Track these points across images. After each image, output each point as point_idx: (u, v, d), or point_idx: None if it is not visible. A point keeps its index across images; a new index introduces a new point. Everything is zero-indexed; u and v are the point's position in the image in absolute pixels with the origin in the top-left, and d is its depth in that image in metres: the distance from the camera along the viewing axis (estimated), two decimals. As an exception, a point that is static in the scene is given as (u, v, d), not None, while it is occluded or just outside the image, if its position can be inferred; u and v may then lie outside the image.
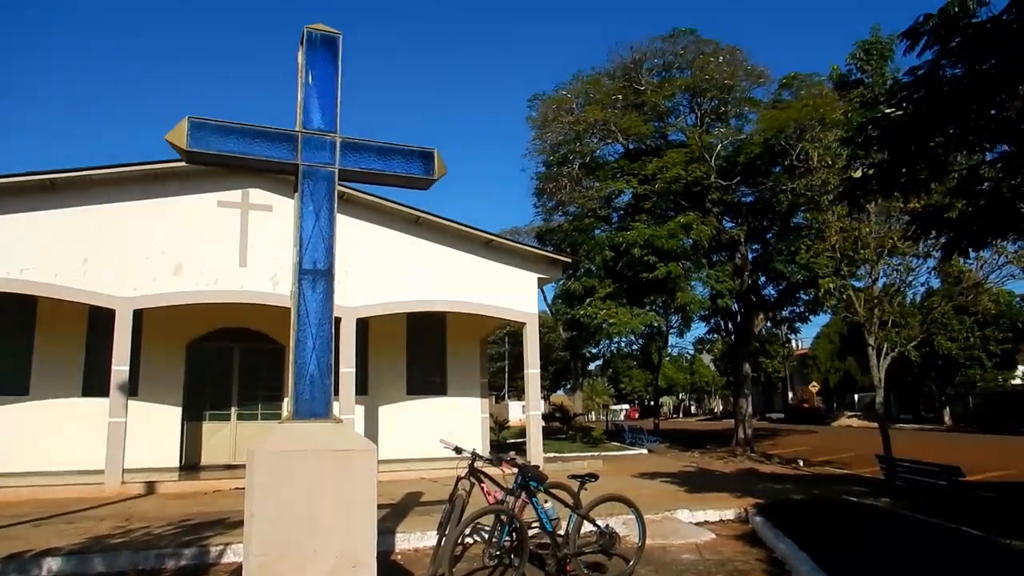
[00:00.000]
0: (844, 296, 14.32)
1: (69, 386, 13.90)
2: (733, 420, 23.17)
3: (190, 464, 14.48)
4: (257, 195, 13.34)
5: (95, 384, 13.33)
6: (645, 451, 20.95)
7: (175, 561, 6.47)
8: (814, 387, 48.87)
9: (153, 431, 13.95)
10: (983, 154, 7.17)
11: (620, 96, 20.97)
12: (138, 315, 12.75)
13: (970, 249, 7.47)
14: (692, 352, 58.12)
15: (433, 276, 14.56)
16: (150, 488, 11.60)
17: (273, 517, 3.99)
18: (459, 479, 6.39)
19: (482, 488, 6.33)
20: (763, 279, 22.56)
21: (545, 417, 29.17)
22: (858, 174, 7.13)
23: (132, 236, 12.49)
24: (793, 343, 55.91)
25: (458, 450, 6.50)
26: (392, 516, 8.63)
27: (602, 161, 22.29)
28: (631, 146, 22.01)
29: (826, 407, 50.85)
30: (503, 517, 5.56)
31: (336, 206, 4.77)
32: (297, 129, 4.77)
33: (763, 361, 54.93)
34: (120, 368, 11.90)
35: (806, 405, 51.05)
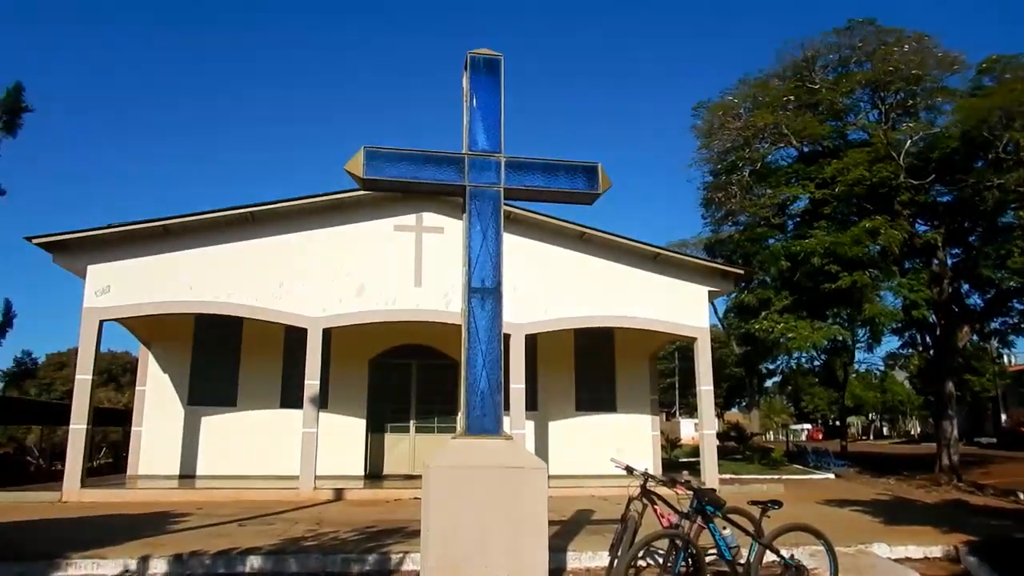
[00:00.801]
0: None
1: (269, 398, 15.37)
2: (934, 444, 20.75)
3: (373, 473, 15.42)
4: (430, 218, 14.00)
5: (291, 397, 14.61)
6: (831, 475, 19.36)
7: (359, 566, 6.86)
8: (1036, 408, 42.67)
9: (341, 441, 15.03)
10: None
11: (792, 97, 19.65)
12: (327, 333, 13.83)
13: None
14: (883, 368, 53.05)
15: (600, 292, 14.49)
16: (338, 494, 12.46)
17: (446, 531, 4.08)
18: (631, 500, 6.21)
19: (655, 510, 6.10)
20: (966, 287, 20.07)
21: (720, 436, 27.93)
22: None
23: (320, 261, 13.60)
24: (1006, 358, 49.33)
25: (630, 470, 6.33)
26: (563, 533, 8.58)
27: (774, 166, 20.99)
28: (806, 148, 20.57)
29: (1053, 432, 44.17)
30: (678, 542, 5.32)
31: (502, 225, 4.85)
32: (463, 152, 4.93)
33: (969, 379, 48.93)
34: (312, 383, 12.95)
35: (1024, 429, 44.64)
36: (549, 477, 15.53)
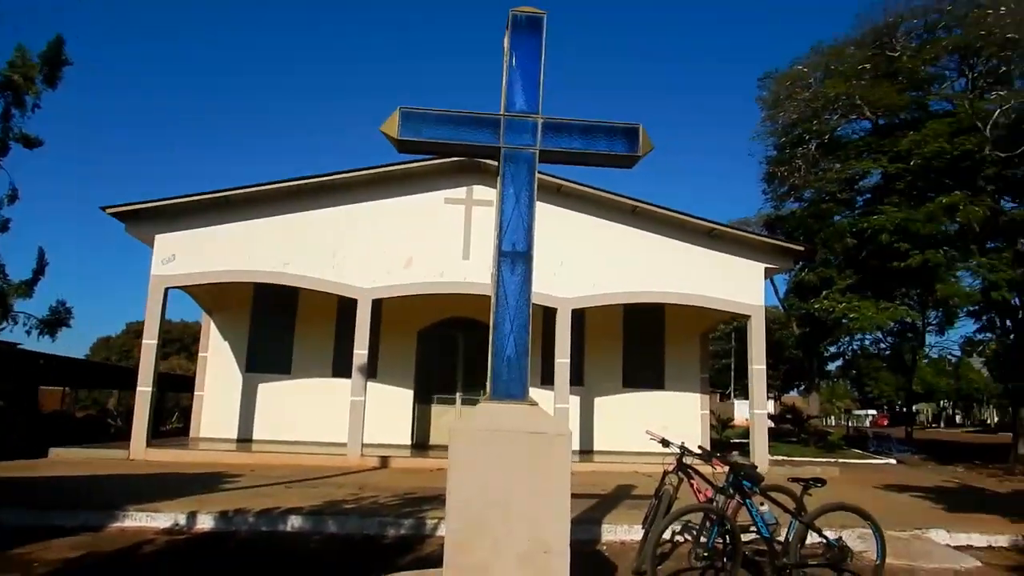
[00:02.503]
0: None
1: (322, 367, 15.70)
2: (1011, 434, 19.70)
3: (420, 443, 15.63)
4: (480, 191, 13.94)
5: (342, 366, 14.85)
6: (893, 461, 18.62)
7: (395, 530, 6.93)
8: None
9: (389, 411, 15.27)
10: None
11: (868, 65, 18.65)
12: (377, 304, 14.00)
13: None
14: (958, 354, 50.70)
15: (650, 267, 14.20)
16: (384, 462, 12.67)
17: (468, 494, 4.03)
18: (666, 473, 6.06)
19: (691, 484, 5.94)
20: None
21: (775, 418, 27.26)
22: None
23: (370, 232, 13.73)
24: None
25: (665, 443, 6.17)
26: (601, 506, 8.50)
27: (844, 140, 20.08)
28: (880, 121, 19.56)
29: None
30: (713, 516, 5.15)
31: (536, 189, 4.70)
32: (501, 113, 4.78)
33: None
34: (360, 352, 13.14)
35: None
36: (594, 452, 15.51)
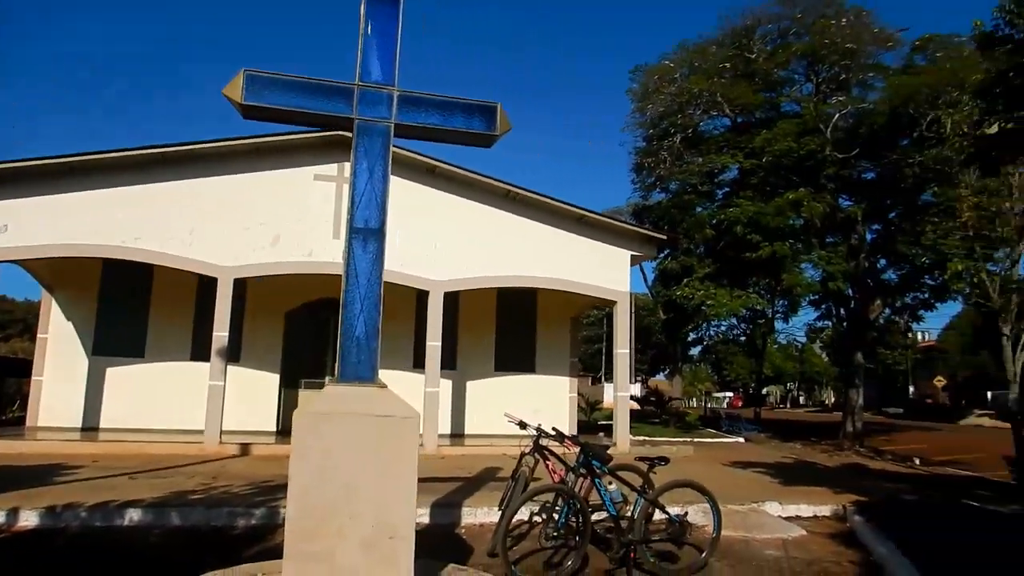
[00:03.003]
0: (975, 280, 12.85)
1: (180, 350, 14.76)
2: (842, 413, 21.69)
3: (285, 429, 15.03)
4: (347, 168, 13.48)
5: (202, 350, 14.00)
6: (742, 439, 20.00)
7: (246, 520, 6.61)
8: (940, 381, 45.18)
9: (253, 396, 14.59)
10: None
11: (728, 65, 19.77)
12: (240, 284, 13.29)
13: None
14: (803, 340, 55.26)
15: (523, 252, 14.34)
16: (244, 449, 12.10)
17: (311, 479, 3.87)
18: (523, 455, 6.15)
19: (547, 465, 6.05)
20: (883, 262, 20.83)
21: (640, 401, 28.52)
22: (994, 130, 6.16)
23: (234, 208, 12.98)
24: (918, 334, 52.06)
25: (522, 425, 6.25)
26: (464, 490, 8.52)
27: (706, 135, 21.20)
28: (739, 119, 20.79)
29: (953, 404, 47.04)
30: (563, 496, 5.26)
31: (390, 163, 4.57)
32: (355, 82, 4.59)
33: (881, 352, 51.45)
34: (220, 334, 12.44)
35: (930, 401, 47.48)
36: (465, 436, 15.54)
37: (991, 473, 13.02)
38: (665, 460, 5.89)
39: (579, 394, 22.02)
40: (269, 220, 13.05)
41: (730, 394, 71.99)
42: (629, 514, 5.53)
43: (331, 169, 13.48)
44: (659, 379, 56.36)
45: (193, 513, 6.65)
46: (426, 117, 4.65)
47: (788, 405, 77.86)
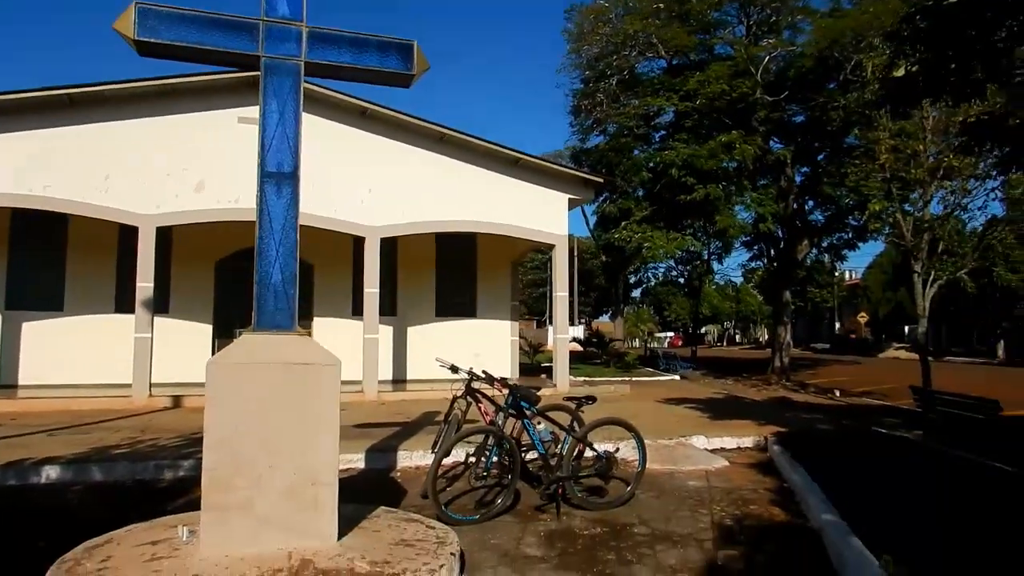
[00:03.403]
0: (891, 220, 13.39)
1: (102, 302, 14.20)
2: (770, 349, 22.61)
3: (220, 380, 14.77)
4: (277, 110, 12.95)
5: (127, 301, 13.52)
6: (677, 377, 20.68)
7: (173, 472, 6.51)
8: (863, 318, 47.45)
9: (184, 347, 14.19)
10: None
11: (662, 6, 19.62)
12: (166, 233, 12.80)
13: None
14: (739, 280, 56.94)
15: (460, 196, 14.20)
16: (176, 402, 11.85)
17: (227, 431, 3.82)
18: (455, 398, 6.20)
19: (479, 408, 6.13)
20: (811, 204, 21.47)
21: (583, 343, 29.06)
22: (901, 73, 6.30)
23: (153, 153, 12.39)
24: (845, 273, 54.29)
25: (454, 369, 6.29)
26: (402, 434, 8.57)
27: (642, 77, 21.13)
28: (674, 61, 20.77)
29: (874, 339, 49.58)
30: (492, 437, 5.34)
31: (301, 103, 4.41)
32: (260, 17, 4.36)
33: (810, 291, 53.54)
34: (144, 285, 12.02)
35: (853, 336, 49.88)
36: (407, 381, 15.51)
37: (902, 402, 13.86)
38: (592, 399, 6.03)
39: (521, 337, 22.30)
40: (191, 165, 12.51)
41: (671, 334, 73.93)
42: (558, 452, 5.66)
43: (256, 111, 12.88)
44: (604, 320, 57.41)
45: (116, 468, 6.49)
46: (338, 55, 4.48)
47: (725, 343, 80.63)
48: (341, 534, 4.08)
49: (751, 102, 18.14)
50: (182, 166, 12.46)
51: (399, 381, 15.39)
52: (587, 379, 18.02)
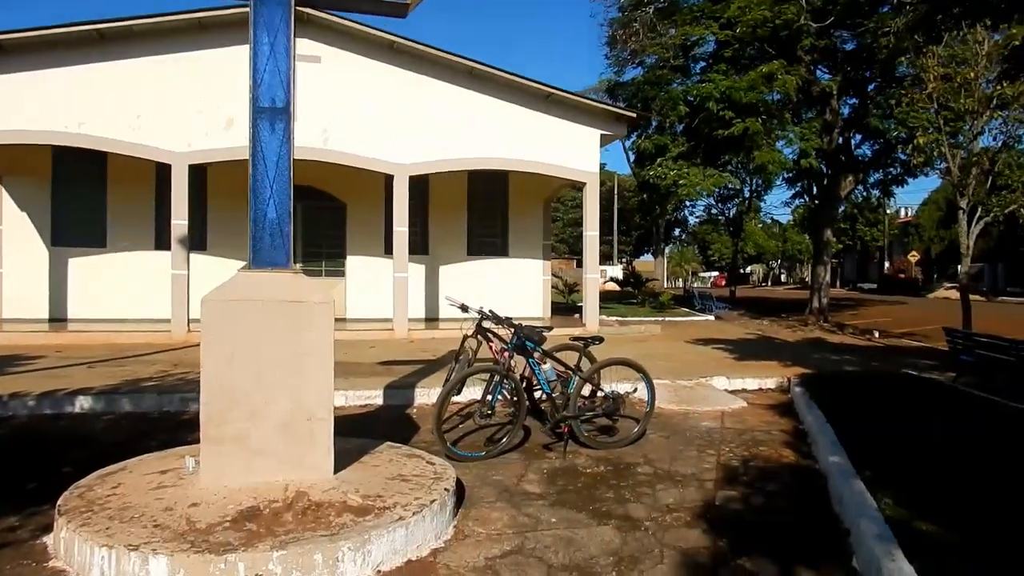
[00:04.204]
0: (937, 154, 12.69)
1: (143, 239, 14.56)
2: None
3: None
4: (305, 45, 12.76)
5: (166, 238, 13.85)
6: (711, 318, 20.43)
7: (197, 404, 6.72)
8: (913, 256, 45.83)
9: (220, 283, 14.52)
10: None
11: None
12: (201, 170, 12.94)
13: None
14: (787, 218, 55.40)
15: (490, 133, 13.98)
16: (212, 336, 12.18)
17: (221, 367, 3.90)
18: (466, 337, 6.21)
19: (491, 347, 6.13)
20: (858, 138, 20.47)
21: (620, 283, 28.85)
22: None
23: (184, 90, 12.44)
24: (894, 209, 52.33)
25: (464, 308, 6.28)
26: (423, 372, 8.70)
27: (681, 3, 20.10)
28: (715, -16, 19.66)
29: (925, 278, 48.00)
30: (497, 376, 5.37)
31: (293, 35, 4.30)
32: (250, -54, 4.23)
33: (860, 229, 51.88)
34: (179, 222, 12.27)
35: (902, 275, 48.28)
36: (439, 320, 15.65)
37: (940, 344, 13.43)
38: (600, 339, 5.99)
39: (556, 276, 22.23)
40: (223, 102, 12.50)
41: (715, 274, 72.93)
42: (565, 391, 5.67)
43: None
44: (645, 260, 56.80)
45: (144, 399, 6.76)
46: (332, -16, 4.34)
47: (770, 283, 79.19)
48: (342, 467, 4.19)
49: (796, 29, 17.11)
50: (213, 103, 12.49)
51: (431, 319, 15.55)
52: (619, 318, 17.94)
